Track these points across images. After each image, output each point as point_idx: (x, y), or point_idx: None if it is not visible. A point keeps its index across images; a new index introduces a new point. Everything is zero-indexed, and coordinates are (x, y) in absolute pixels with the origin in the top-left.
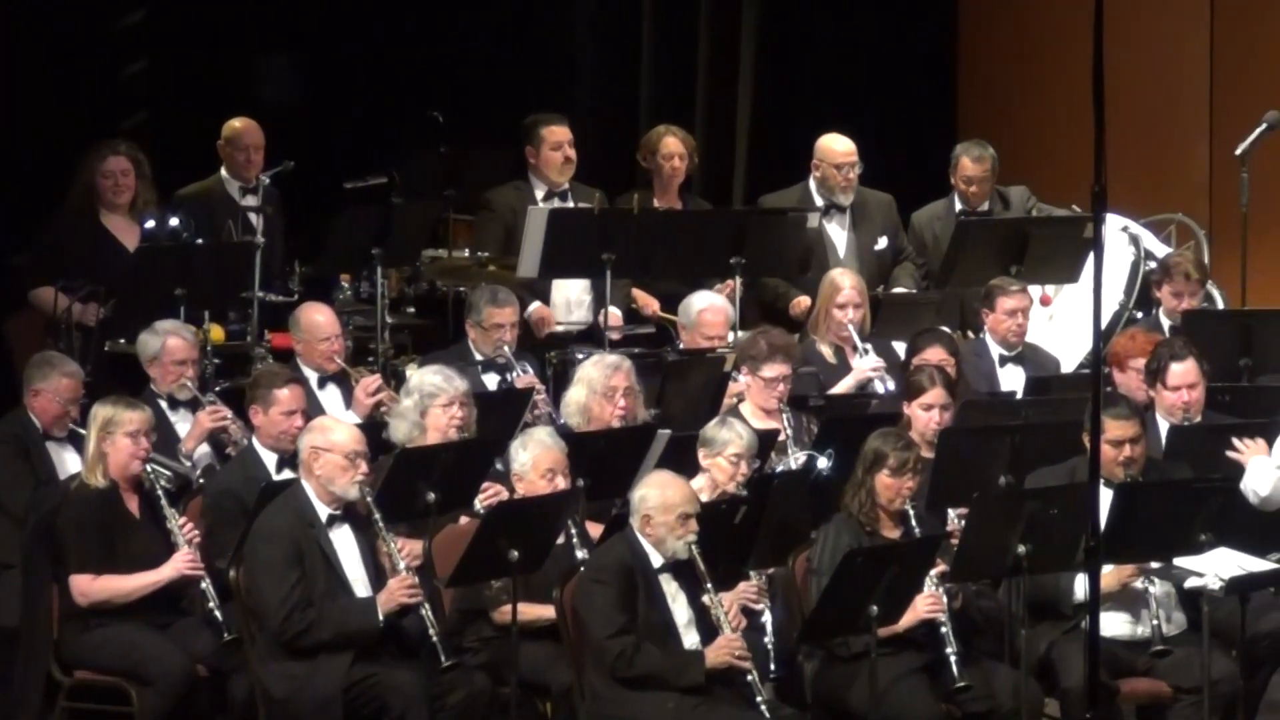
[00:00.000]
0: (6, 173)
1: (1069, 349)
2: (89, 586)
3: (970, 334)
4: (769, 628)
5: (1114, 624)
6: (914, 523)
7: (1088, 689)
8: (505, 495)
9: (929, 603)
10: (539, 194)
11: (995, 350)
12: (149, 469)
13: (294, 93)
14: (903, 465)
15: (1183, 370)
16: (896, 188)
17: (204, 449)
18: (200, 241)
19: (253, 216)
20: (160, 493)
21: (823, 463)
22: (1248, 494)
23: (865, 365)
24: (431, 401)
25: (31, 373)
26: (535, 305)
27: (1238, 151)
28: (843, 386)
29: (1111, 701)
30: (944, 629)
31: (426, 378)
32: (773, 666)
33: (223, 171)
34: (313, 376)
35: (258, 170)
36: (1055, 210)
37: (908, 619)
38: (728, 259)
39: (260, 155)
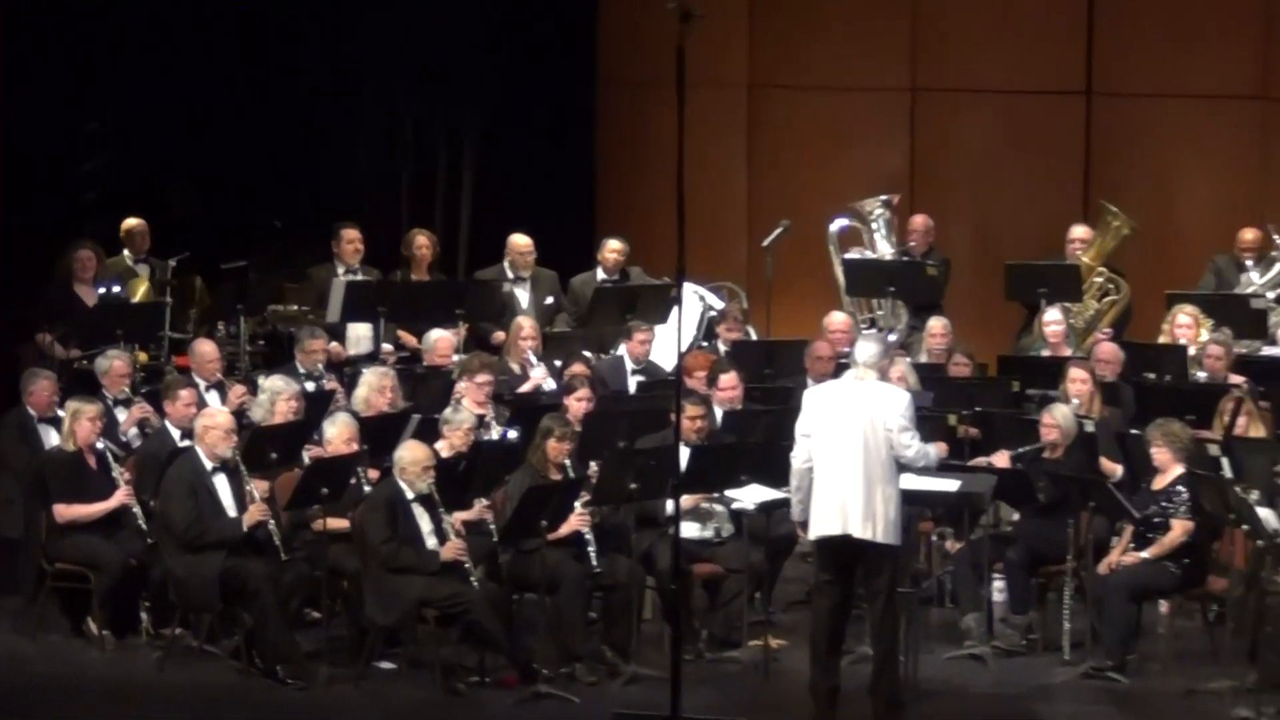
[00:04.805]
0: (17, 256)
1: (663, 365)
2: (64, 511)
3: (603, 355)
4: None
5: (689, 529)
6: (569, 470)
7: (673, 570)
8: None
9: (579, 519)
10: (340, 271)
11: (630, 365)
12: (101, 441)
13: (191, 208)
14: (563, 436)
15: (727, 379)
16: (558, 265)
17: (134, 429)
18: (133, 301)
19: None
20: (109, 455)
21: (512, 435)
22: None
23: (538, 375)
24: (278, 396)
25: (26, 381)
26: (333, 345)
27: (764, 244)
28: (525, 388)
29: (687, 578)
30: (587, 535)
31: (276, 382)
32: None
33: (125, 251)
34: (202, 384)
35: (144, 248)
36: (655, 280)
37: (565, 529)
38: (455, 311)
39: (146, 242)
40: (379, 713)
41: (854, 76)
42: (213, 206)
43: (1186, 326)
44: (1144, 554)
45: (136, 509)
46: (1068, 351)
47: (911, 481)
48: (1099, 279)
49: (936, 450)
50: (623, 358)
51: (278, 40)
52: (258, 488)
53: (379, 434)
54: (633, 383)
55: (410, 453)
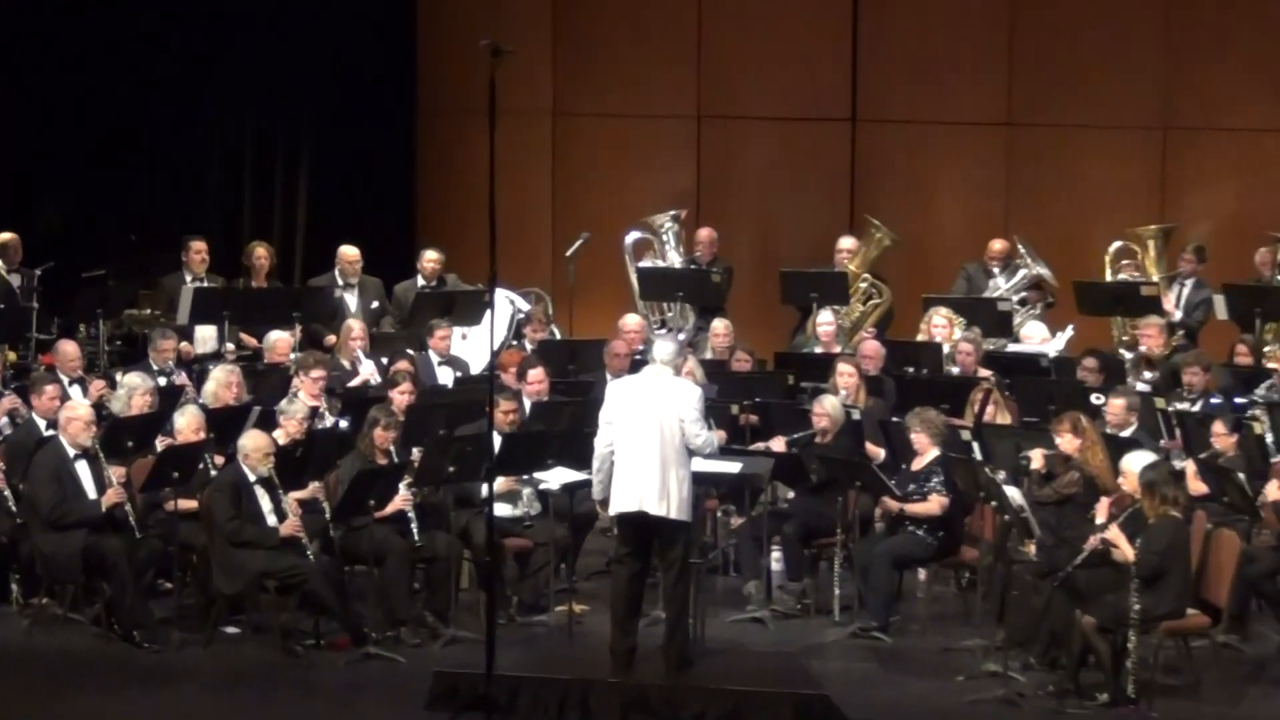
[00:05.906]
0: None
1: (477, 362)
2: None
3: (421, 351)
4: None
5: (502, 508)
6: (394, 455)
7: (487, 544)
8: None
9: (403, 499)
10: (188, 279)
11: (435, 359)
12: None
13: (57, 226)
14: (388, 425)
15: (534, 373)
16: (383, 273)
17: (4, 420)
18: (1, 307)
19: (14, 285)
20: None
21: (343, 424)
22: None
23: (366, 372)
24: (134, 391)
25: None
26: (183, 344)
27: (567, 254)
28: (355, 382)
29: (500, 551)
30: (410, 513)
31: (133, 379)
32: None
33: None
34: (66, 380)
35: (17, 259)
36: (469, 286)
37: (391, 508)
38: (291, 314)
39: (19, 254)
40: (225, 672)
41: (647, 105)
42: (76, 222)
43: (941, 326)
44: (905, 507)
45: (6, 491)
46: (837, 348)
47: (700, 464)
48: (864, 284)
49: (718, 437)
50: (430, 354)
51: (135, 73)
52: (115, 473)
53: (224, 424)
54: (440, 373)
55: (252, 440)
